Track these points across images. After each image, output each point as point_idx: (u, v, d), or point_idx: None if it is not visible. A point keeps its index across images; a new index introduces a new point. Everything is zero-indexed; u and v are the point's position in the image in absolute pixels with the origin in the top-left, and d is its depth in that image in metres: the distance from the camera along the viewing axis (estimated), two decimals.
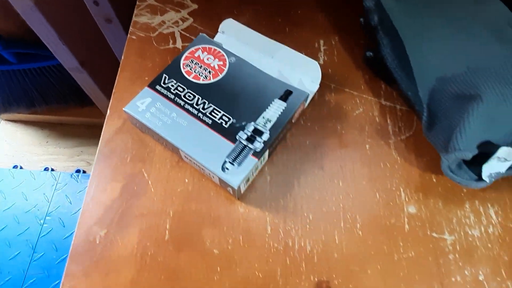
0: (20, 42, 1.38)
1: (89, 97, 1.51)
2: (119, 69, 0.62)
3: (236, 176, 0.47)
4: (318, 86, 0.56)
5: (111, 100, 0.59)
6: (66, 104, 1.71)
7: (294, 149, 0.54)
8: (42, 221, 1.61)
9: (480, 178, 0.47)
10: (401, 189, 0.51)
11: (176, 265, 0.47)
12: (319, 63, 0.58)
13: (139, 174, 0.53)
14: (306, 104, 0.57)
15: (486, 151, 0.46)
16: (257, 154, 0.48)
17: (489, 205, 0.49)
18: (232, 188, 0.47)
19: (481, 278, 0.45)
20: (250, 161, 0.48)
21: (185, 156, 0.51)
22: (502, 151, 0.44)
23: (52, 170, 1.73)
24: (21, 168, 1.74)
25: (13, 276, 1.52)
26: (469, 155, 0.44)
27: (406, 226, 0.48)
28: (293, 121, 0.54)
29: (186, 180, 0.52)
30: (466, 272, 0.45)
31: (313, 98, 0.58)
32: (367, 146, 0.54)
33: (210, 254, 0.47)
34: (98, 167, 0.54)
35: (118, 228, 0.49)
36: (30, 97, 1.64)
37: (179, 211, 0.50)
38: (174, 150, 0.52)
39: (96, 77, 1.42)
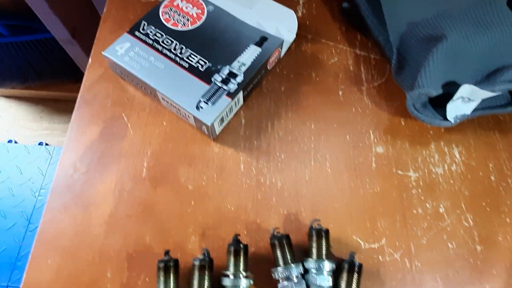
0: (11, 13, 1.38)
1: (82, 72, 1.52)
2: (101, 20, 0.63)
3: (210, 114, 0.49)
4: (294, 36, 0.58)
5: (92, 49, 0.60)
6: (60, 79, 1.71)
7: (269, 94, 0.56)
8: (37, 194, 1.64)
9: (445, 119, 0.49)
10: (371, 132, 0.53)
11: (152, 200, 0.49)
12: (297, 16, 0.60)
13: (119, 118, 0.55)
14: (283, 54, 0.59)
15: (453, 92, 0.48)
16: (231, 95, 0.50)
17: (454, 146, 0.51)
18: (206, 126, 0.49)
19: (441, 210, 0.47)
20: (224, 101, 0.50)
21: (162, 98, 0.53)
22: (464, 89, 0.46)
23: (47, 144, 1.76)
24: (15, 142, 1.76)
25: (8, 247, 1.55)
26: (432, 92, 0.46)
27: (373, 164, 0.50)
28: (268, 67, 0.56)
29: (164, 123, 0.54)
30: (427, 205, 0.47)
31: (290, 48, 0.60)
32: (340, 92, 0.56)
33: (184, 190, 0.50)
34: (79, 112, 0.56)
35: (98, 167, 0.51)
36: (24, 71, 1.64)
37: (157, 150, 0.52)
38: (153, 93, 0.54)
39: (88, 50, 1.43)
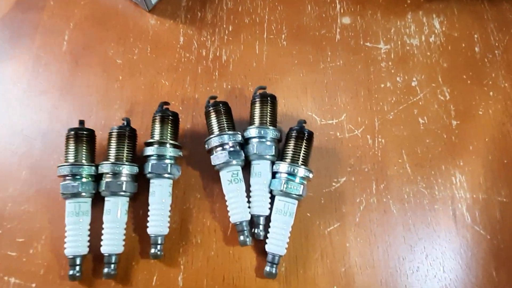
0: None
1: None
2: None
3: None
4: None
5: None
6: None
7: None
8: None
9: None
10: (337, 1, 0.44)
11: (74, 75, 0.41)
12: None
13: None
14: None
15: None
16: None
17: (434, 16, 0.43)
18: None
19: (414, 84, 0.40)
20: None
21: None
22: None
23: None
24: None
25: None
26: None
27: (338, 36, 0.43)
28: None
29: None
30: (398, 79, 0.40)
31: None
32: None
33: (112, 64, 0.42)
34: None
35: (11, 40, 0.43)
36: None
37: (81, 22, 0.44)
38: None
39: None
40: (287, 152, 0.34)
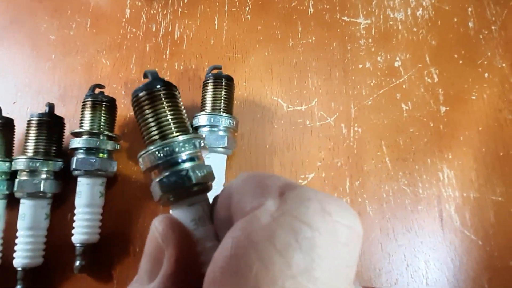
0: None
1: None
2: None
3: None
4: None
5: None
6: None
7: None
8: None
9: None
10: None
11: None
12: None
13: None
14: None
15: None
16: None
17: None
18: None
19: (397, 64, 0.34)
20: None
21: None
22: None
23: None
24: None
25: None
26: None
27: (311, 9, 0.37)
28: None
29: None
30: (379, 58, 0.34)
31: None
32: None
33: (44, 40, 0.35)
34: None
35: None
36: None
37: None
38: None
39: None
40: (205, 101, 0.29)
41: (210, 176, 0.17)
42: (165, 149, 0.16)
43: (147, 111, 0.17)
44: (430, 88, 0.33)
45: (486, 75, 0.34)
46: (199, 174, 0.16)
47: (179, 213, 0.16)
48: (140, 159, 0.17)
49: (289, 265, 0.10)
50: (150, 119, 0.17)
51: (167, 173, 0.16)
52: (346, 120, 0.32)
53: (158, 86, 0.18)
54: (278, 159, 0.31)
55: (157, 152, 0.16)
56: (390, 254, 0.29)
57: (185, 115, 0.18)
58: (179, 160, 0.16)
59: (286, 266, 0.10)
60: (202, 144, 0.17)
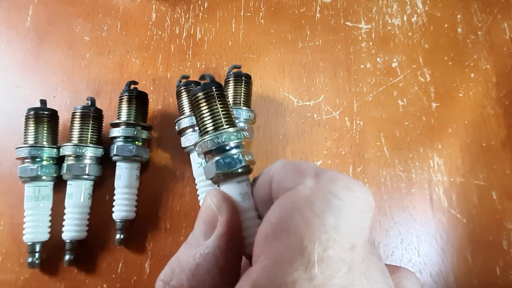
0: None
1: None
2: None
3: None
4: None
5: None
6: None
7: None
8: None
9: None
10: None
11: (37, 53, 0.39)
12: None
13: None
14: None
15: None
16: None
17: None
18: None
19: (394, 65, 0.39)
20: None
21: None
22: None
23: None
24: None
25: None
26: None
27: (318, 15, 0.41)
28: None
29: None
30: (378, 59, 0.39)
31: None
32: None
33: (79, 41, 0.39)
34: None
35: None
36: None
37: None
38: None
39: None
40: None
41: (253, 161, 0.21)
42: (218, 138, 0.20)
43: (204, 108, 0.21)
44: (423, 86, 0.38)
45: (472, 75, 0.38)
46: (246, 158, 0.20)
47: (228, 188, 0.20)
48: (197, 146, 0.21)
49: (323, 224, 0.14)
50: (206, 114, 0.21)
51: (219, 157, 0.20)
52: (349, 114, 0.37)
53: (213, 88, 0.22)
54: (290, 148, 0.35)
55: (211, 140, 0.20)
56: (387, 230, 0.33)
57: (232, 110, 0.22)
58: (228, 148, 0.21)
59: (321, 224, 0.14)
60: (246, 135, 0.21)
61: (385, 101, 0.37)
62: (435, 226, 0.33)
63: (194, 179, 0.33)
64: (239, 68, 0.35)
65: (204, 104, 0.22)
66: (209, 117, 0.22)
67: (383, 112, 0.37)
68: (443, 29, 0.40)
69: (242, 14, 0.41)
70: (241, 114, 0.33)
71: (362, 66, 0.39)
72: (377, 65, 0.39)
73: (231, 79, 0.34)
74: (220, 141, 0.21)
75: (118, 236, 0.31)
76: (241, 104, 0.34)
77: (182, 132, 0.33)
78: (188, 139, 0.32)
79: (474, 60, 0.39)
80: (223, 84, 0.30)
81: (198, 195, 0.32)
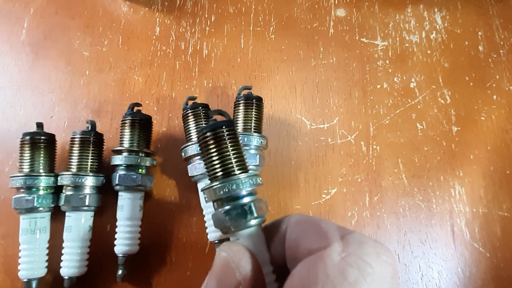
0: None
1: None
2: None
3: None
4: None
5: None
6: None
7: None
8: None
9: None
10: None
11: (33, 69, 0.36)
12: None
13: None
14: None
15: None
16: None
17: (436, 10, 0.40)
18: None
19: (412, 85, 0.37)
20: None
21: None
22: None
23: None
24: None
25: None
26: None
27: (331, 30, 0.39)
28: None
29: None
30: (395, 79, 0.37)
31: None
32: None
33: (78, 56, 0.37)
34: None
35: None
36: None
37: (43, 8, 0.38)
38: None
39: None
40: (237, 121, 0.31)
41: (266, 209, 0.19)
42: (228, 186, 0.18)
43: (212, 150, 0.19)
44: (443, 108, 0.36)
45: (495, 97, 0.36)
46: (258, 207, 0.18)
47: (244, 241, 0.18)
48: (206, 192, 0.19)
49: None
50: (215, 157, 0.19)
51: (229, 206, 0.18)
52: (365, 138, 0.35)
53: (224, 128, 0.19)
54: (302, 174, 0.33)
55: (221, 188, 0.18)
56: (406, 265, 0.31)
57: (244, 152, 0.20)
58: (240, 195, 0.19)
59: None
60: (259, 182, 0.19)
61: (403, 125, 0.35)
62: (457, 261, 0.31)
63: (202, 210, 0.31)
64: (250, 89, 0.33)
65: (213, 145, 0.20)
66: (218, 161, 0.19)
67: (401, 136, 0.35)
68: (464, 47, 0.38)
69: (251, 28, 0.39)
70: (252, 141, 0.31)
71: (378, 86, 0.37)
72: (394, 85, 0.37)
73: (241, 102, 0.32)
74: (230, 189, 0.19)
75: (120, 272, 0.29)
76: (252, 130, 0.31)
77: (189, 159, 0.31)
78: (196, 168, 0.30)
79: (496, 81, 0.37)
80: (231, 115, 0.28)
81: (206, 228, 0.30)
